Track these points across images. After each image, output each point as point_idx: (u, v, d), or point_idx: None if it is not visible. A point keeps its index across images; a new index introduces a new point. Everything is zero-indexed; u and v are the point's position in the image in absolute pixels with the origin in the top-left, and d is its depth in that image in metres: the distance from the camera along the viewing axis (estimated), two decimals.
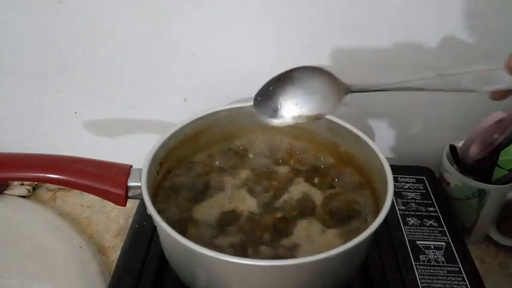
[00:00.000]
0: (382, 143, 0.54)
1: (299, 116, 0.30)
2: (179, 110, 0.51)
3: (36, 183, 0.56)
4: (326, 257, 0.29)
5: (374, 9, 0.44)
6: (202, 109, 0.42)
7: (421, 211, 0.46)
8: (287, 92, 0.29)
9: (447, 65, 0.47)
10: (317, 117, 0.30)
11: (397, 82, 0.29)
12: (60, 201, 0.55)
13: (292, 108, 0.30)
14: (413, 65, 0.48)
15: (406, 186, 0.49)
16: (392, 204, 0.45)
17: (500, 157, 0.44)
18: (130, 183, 0.35)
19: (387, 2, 0.43)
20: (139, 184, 0.34)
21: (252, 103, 0.40)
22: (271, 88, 0.29)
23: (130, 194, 0.35)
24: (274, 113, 0.30)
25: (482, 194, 0.45)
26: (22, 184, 0.55)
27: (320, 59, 0.47)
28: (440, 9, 0.44)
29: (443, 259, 0.41)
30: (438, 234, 0.44)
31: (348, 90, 0.29)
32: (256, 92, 0.31)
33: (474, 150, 0.46)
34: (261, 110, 0.31)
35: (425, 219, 0.45)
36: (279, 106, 0.30)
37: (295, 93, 0.29)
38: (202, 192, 0.40)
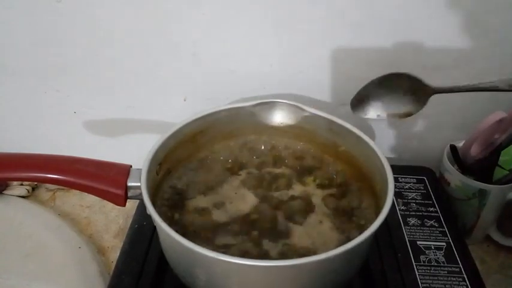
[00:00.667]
0: (382, 143, 0.54)
1: (388, 114, 0.35)
2: (179, 110, 0.51)
3: (35, 183, 0.56)
4: (326, 258, 0.29)
5: (374, 9, 0.44)
6: (202, 109, 0.42)
7: (422, 211, 0.46)
8: (377, 96, 0.34)
9: (447, 65, 0.47)
10: (406, 115, 0.34)
11: (481, 83, 0.32)
12: (60, 201, 0.55)
13: (381, 109, 0.34)
14: (413, 65, 0.48)
15: (406, 186, 0.49)
16: (393, 204, 0.45)
17: (501, 157, 0.44)
18: (129, 184, 0.35)
19: (387, 2, 0.43)
20: (138, 184, 0.34)
21: (251, 103, 0.41)
22: (364, 93, 0.34)
23: (129, 194, 0.35)
24: (367, 112, 0.35)
25: (482, 194, 0.45)
26: (21, 184, 0.55)
27: (320, 59, 0.47)
28: (440, 9, 0.44)
29: (443, 259, 0.41)
30: (439, 235, 0.44)
31: (433, 91, 0.33)
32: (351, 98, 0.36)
33: (475, 150, 0.46)
34: (356, 111, 0.36)
35: (425, 220, 0.45)
36: (370, 107, 0.35)
37: (384, 96, 0.33)
38: (202, 192, 0.40)
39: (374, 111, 0.35)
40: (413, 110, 0.34)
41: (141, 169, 0.35)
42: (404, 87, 0.33)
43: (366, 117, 0.35)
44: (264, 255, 0.35)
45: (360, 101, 0.34)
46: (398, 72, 0.33)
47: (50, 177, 0.34)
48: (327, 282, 0.34)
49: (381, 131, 0.53)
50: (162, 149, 0.38)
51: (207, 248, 0.29)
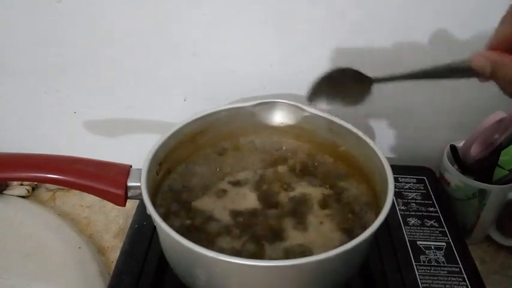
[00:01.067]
0: (382, 143, 0.54)
1: (341, 103, 0.37)
2: (179, 110, 0.51)
3: (35, 183, 0.56)
4: (326, 257, 0.29)
5: (374, 9, 0.44)
6: (202, 109, 0.42)
7: (422, 211, 0.46)
8: (329, 88, 0.37)
9: None
10: (356, 103, 0.37)
11: (410, 71, 0.35)
12: (60, 201, 0.55)
13: (334, 99, 0.37)
14: (413, 65, 0.48)
15: (406, 187, 0.49)
16: (393, 204, 0.45)
17: (501, 157, 0.44)
18: (129, 184, 0.35)
19: (387, 2, 0.43)
20: (138, 184, 0.34)
21: (251, 103, 0.42)
22: (318, 87, 0.37)
23: (129, 194, 0.35)
24: (322, 103, 0.37)
25: (482, 194, 0.45)
26: (21, 184, 0.55)
27: (320, 59, 0.47)
28: (440, 9, 0.44)
29: (443, 259, 0.41)
30: (439, 235, 0.44)
31: (372, 81, 0.36)
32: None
33: (475, 150, 0.46)
34: (311, 103, 0.38)
35: (425, 220, 0.45)
36: (325, 99, 0.37)
37: (335, 88, 0.37)
38: (202, 192, 0.40)
39: (328, 102, 0.37)
40: (361, 99, 0.37)
41: (141, 169, 0.35)
42: (350, 79, 0.36)
43: (322, 108, 0.38)
44: (264, 255, 0.35)
45: (314, 94, 0.37)
46: (342, 67, 0.37)
47: (50, 177, 0.34)
48: (327, 282, 0.34)
49: (381, 131, 0.53)
50: (162, 149, 0.38)
51: (207, 248, 0.29)
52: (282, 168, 0.43)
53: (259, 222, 0.38)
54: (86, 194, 0.35)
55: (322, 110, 0.39)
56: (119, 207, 0.36)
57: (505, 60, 0.29)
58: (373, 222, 0.31)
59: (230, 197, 0.40)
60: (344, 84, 0.36)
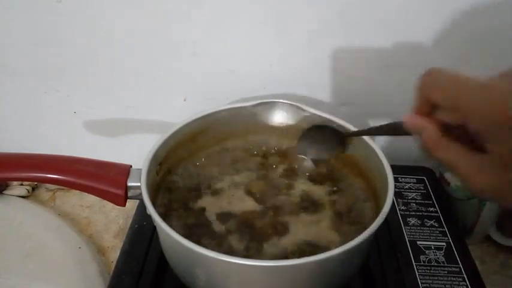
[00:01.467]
0: (382, 143, 0.54)
1: (317, 157, 0.44)
2: (179, 110, 0.51)
3: (35, 183, 0.56)
4: (326, 257, 0.29)
5: (374, 9, 0.44)
6: (202, 109, 0.42)
7: (422, 211, 0.46)
8: (311, 143, 0.43)
9: (447, 65, 0.47)
10: (331, 157, 0.43)
11: (374, 127, 0.37)
12: (60, 201, 0.55)
13: (319, 152, 0.43)
14: (413, 65, 0.47)
15: (406, 186, 0.49)
16: (393, 204, 0.45)
17: None
18: (129, 183, 0.35)
19: (387, 2, 0.43)
20: (138, 184, 0.34)
21: (252, 103, 0.43)
22: (302, 142, 0.43)
23: (129, 194, 0.35)
24: (309, 155, 0.44)
25: None
26: (21, 184, 0.55)
27: (320, 59, 0.47)
28: (440, 9, 0.44)
29: (443, 259, 0.41)
30: (439, 235, 0.44)
31: (345, 135, 0.41)
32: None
33: None
34: (300, 154, 0.44)
35: (425, 220, 0.45)
36: (310, 152, 0.44)
37: (317, 143, 0.43)
38: (202, 193, 0.40)
39: (314, 154, 0.43)
40: (342, 149, 0.42)
41: (141, 169, 0.35)
42: (328, 133, 0.41)
43: (312, 158, 0.44)
44: (264, 255, 0.35)
45: (301, 148, 0.43)
46: (318, 124, 0.42)
47: (50, 177, 0.34)
48: (327, 282, 0.34)
49: None
50: (162, 149, 0.38)
51: (206, 248, 0.29)
52: (282, 168, 0.43)
53: (258, 222, 0.38)
54: (86, 194, 0.35)
55: (313, 160, 0.44)
56: (119, 207, 0.36)
57: (426, 126, 0.29)
58: (373, 222, 0.31)
59: (230, 197, 0.40)
60: (324, 137, 0.41)
